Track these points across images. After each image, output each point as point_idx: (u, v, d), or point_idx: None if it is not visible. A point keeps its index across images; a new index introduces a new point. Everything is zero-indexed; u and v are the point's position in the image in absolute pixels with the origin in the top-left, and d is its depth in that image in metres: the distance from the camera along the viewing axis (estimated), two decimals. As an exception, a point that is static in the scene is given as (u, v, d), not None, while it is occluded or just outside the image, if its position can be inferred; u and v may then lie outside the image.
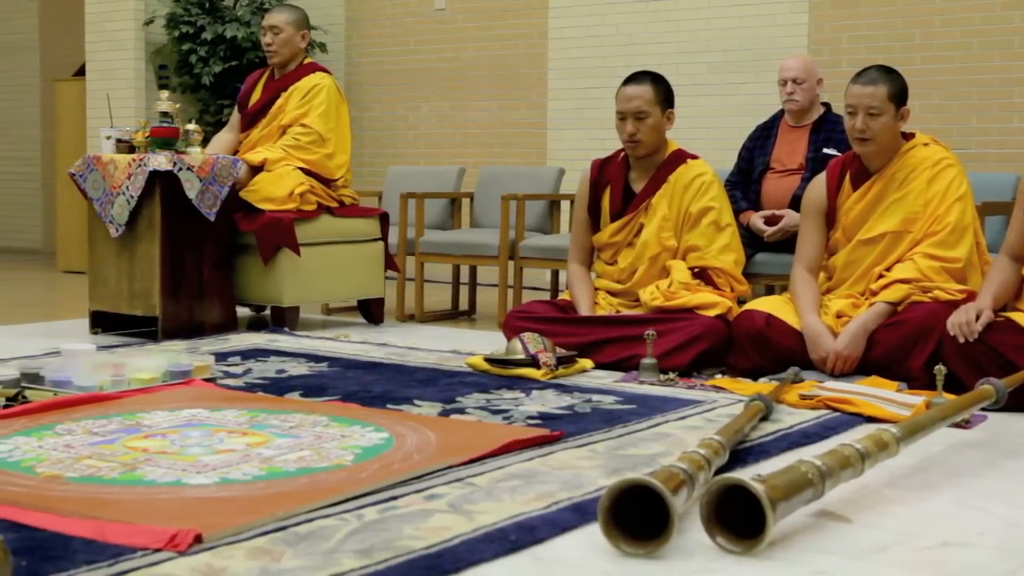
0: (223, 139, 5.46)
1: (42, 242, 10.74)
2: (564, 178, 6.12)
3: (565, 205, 6.05)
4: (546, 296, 5.59)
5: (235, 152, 5.34)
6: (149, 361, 3.57)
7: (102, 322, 4.94)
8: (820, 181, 4.07)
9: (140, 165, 4.67)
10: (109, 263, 4.86)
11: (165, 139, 4.81)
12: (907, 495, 2.46)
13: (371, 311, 5.44)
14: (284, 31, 5.28)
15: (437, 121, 8.26)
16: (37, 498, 2.22)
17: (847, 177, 3.99)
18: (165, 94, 4.95)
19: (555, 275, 5.81)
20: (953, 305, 3.64)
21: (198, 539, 1.97)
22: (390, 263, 5.49)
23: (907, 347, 3.63)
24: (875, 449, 2.34)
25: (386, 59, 8.47)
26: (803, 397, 3.38)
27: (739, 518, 2.05)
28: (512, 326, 4.17)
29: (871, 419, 3.18)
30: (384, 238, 5.42)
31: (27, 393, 3.28)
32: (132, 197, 4.68)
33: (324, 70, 5.38)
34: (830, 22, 6.62)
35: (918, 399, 3.29)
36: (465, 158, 7.86)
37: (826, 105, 4.91)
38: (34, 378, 3.42)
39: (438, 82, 8.24)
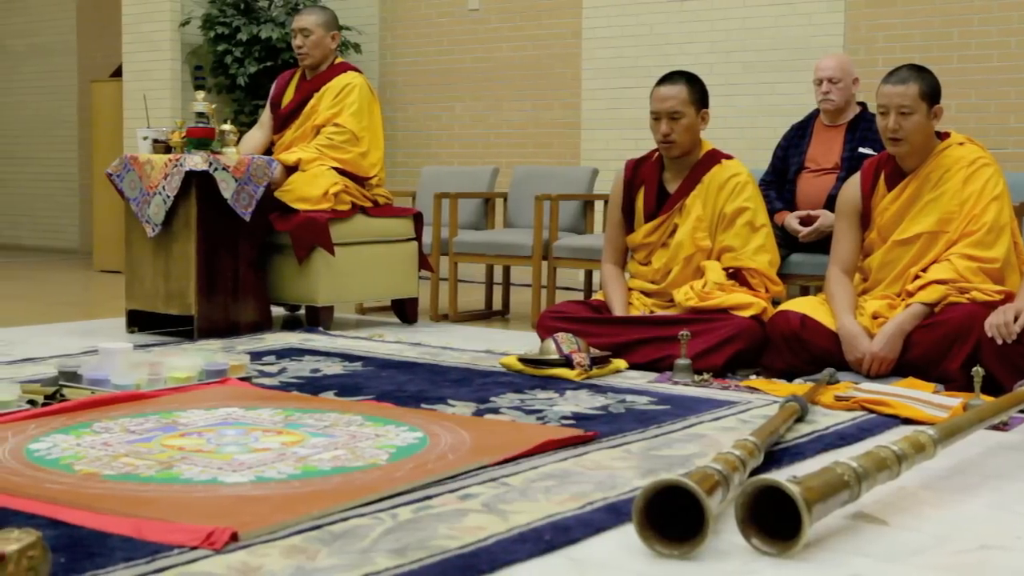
0: (254, 137, 5.48)
1: (79, 242, 10.83)
2: (598, 178, 6.11)
3: (599, 205, 6.04)
4: (579, 296, 5.59)
5: (266, 150, 5.37)
6: (185, 360, 3.59)
7: (138, 321, 4.98)
8: (855, 182, 4.04)
9: (176, 165, 4.70)
10: (145, 262, 4.90)
11: (201, 139, 4.83)
12: (944, 498, 2.44)
13: (405, 311, 5.45)
14: (314, 33, 5.30)
15: (471, 121, 8.27)
16: (75, 495, 2.24)
17: (882, 177, 3.96)
18: (201, 95, 4.98)
19: (588, 275, 5.80)
20: (991, 306, 3.61)
21: (234, 537, 1.98)
22: (424, 263, 5.50)
23: (944, 348, 3.60)
24: (912, 451, 2.33)
25: (420, 59, 8.49)
26: (839, 398, 3.36)
27: (774, 520, 2.04)
28: (546, 326, 4.17)
29: (907, 421, 3.15)
30: (418, 238, 5.43)
31: (65, 391, 3.31)
32: (168, 197, 4.71)
33: (355, 69, 5.40)
34: (866, 21, 6.58)
35: (955, 401, 3.26)
36: (499, 158, 7.87)
37: (862, 104, 4.88)
38: (72, 376, 3.45)
39: (472, 82, 8.25)
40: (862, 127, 4.75)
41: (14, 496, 2.24)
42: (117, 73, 8.90)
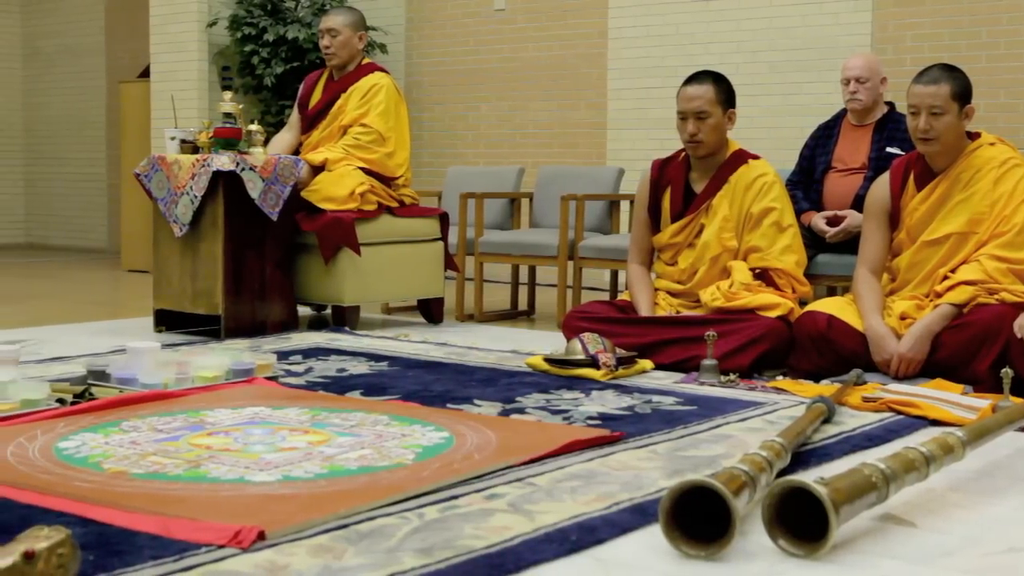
0: (283, 139, 5.50)
1: (107, 241, 10.90)
2: (624, 178, 6.10)
3: (625, 205, 6.03)
4: (605, 296, 5.58)
5: (295, 151, 5.39)
6: (212, 359, 3.61)
7: (166, 320, 5.01)
8: (883, 181, 4.02)
9: (204, 165, 4.72)
10: (173, 262, 4.92)
11: (228, 139, 4.86)
12: (973, 500, 2.43)
13: (431, 311, 5.46)
14: (342, 33, 5.31)
15: (497, 121, 8.27)
16: (104, 494, 2.26)
17: (911, 177, 3.94)
18: (228, 95, 5.00)
19: (614, 275, 5.80)
20: (1020, 307, 3.58)
21: (261, 536, 1.99)
22: (450, 263, 5.51)
23: (973, 350, 3.58)
24: (940, 453, 2.31)
25: (446, 60, 8.50)
26: (866, 399, 3.34)
27: (801, 521, 2.03)
28: (572, 326, 4.17)
29: (936, 422, 3.13)
30: (444, 238, 5.44)
31: (93, 390, 3.33)
32: (196, 197, 4.74)
33: (382, 70, 5.41)
34: (894, 20, 6.54)
35: (984, 402, 3.24)
36: (524, 158, 7.87)
37: (890, 104, 4.86)
38: (100, 375, 3.47)
39: (498, 82, 8.25)
40: (890, 127, 4.73)
41: (43, 494, 2.26)
42: (145, 74, 8.95)
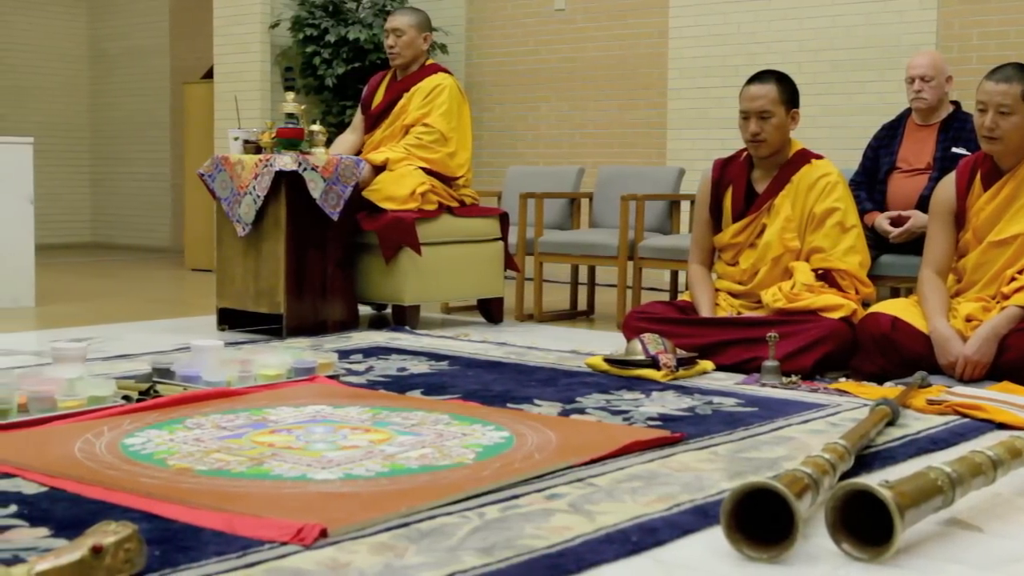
0: (346, 140, 5.54)
1: (171, 240, 11.04)
2: (684, 178, 6.08)
3: (685, 205, 6.00)
4: (665, 297, 5.56)
5: (358, 153, 5.42)
6: (275, 358, 3.64)
7: (229, 319, 5.06)
8: (949, 181, 3.97)
9: (266, 165, 4.76)
10: (236, 261, 4.97)
11: (290, 140, 4.90)
12: (1041, 505, 2.39)
13: (490, 310, 5.47)
14: (407, 33, 5.34)
15: (556, 121, 8.27)
16: (169, 490, 2.28)
17: (978, 177, 3.89)
18: (290, 96, 5.04)
19: (674, 276, 5.77)
20: (1090, 309, 3.52)
21: (323, 533, 2.00)
22: (509, 263, 5.51)
23: (1041, 353, 3.53)
24: (1008, 457, 2.28)
25: (506, 60, 8.51)
26: (931, 402, 3.30)
27: (866, 525, 2.01)
28: (632, 327, 4.15)
29: (1002, 426, 3.09)
30: (504, 238, 5.44)
31: (158, 387, 3.37)
32: (259, 197, 4.78)
33: (446, 71, 5.43)
34: (959, 18, 6.45)
35: (1052, 406, 3.19)
36: (584, 158, 7.86)
37: (955, 103, 4.79)
38: (165, 373, 3.51)
39: (557, 82, 8.25)
40: (955, 126, 4.67)
41: (110, 490, 2.29)
42: (208, 75, 9.05)
